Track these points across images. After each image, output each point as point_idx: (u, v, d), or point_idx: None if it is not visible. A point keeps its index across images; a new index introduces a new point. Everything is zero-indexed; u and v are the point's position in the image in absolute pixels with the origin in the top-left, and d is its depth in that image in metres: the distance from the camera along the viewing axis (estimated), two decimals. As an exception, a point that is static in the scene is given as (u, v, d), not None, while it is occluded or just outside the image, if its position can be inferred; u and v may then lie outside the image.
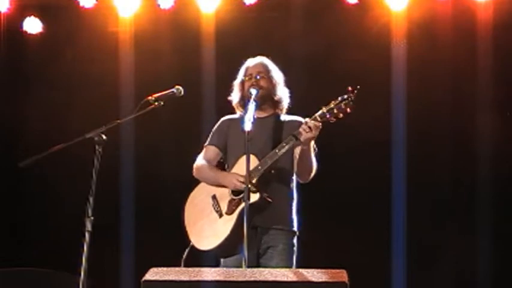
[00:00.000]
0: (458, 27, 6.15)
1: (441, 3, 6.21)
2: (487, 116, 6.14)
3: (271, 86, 4.63)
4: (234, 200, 4.45)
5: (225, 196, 4.50)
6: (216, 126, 4.73)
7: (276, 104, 4.66)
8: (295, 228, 4.54)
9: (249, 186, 4.13)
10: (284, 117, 4.68)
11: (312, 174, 4.54)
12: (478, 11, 6.11)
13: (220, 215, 4.47)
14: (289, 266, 4.43)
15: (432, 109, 6.27)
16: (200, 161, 4.69)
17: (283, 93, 4.68)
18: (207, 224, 4.50)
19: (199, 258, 4.46)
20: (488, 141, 6.09)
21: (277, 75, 4.69)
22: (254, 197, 4.31)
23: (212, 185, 4.57)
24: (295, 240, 4.52)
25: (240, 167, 4.43)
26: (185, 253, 4.48)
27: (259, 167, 4.38)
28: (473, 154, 6.15)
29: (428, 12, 6.18)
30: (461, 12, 6.16)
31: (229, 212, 4.45)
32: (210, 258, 4.50)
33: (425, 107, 6.21)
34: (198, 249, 4.49)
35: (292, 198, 4.57)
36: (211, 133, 4.72)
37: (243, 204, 4.35)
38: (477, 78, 6.09)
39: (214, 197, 4.54)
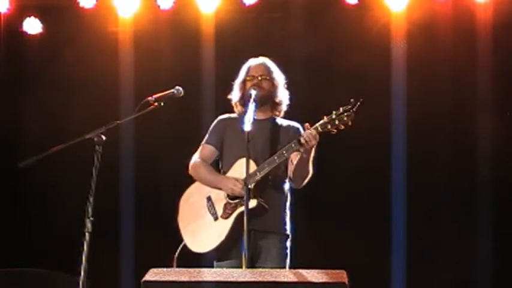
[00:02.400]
0: (458, 28, 6.15)
1: (441, 4, 6.21)
2: (487, 116, 6.14)
3: (273, 88, 4.63)
4: (230, 204, 4.43)
5: (220, 198, 4.47)
6: (213, 125, 4.72)
7: (276, 106, 4.66)
8: (288, 232, 4.53)
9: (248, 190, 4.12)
10: (281, 121, 4.68)
11: (306, 181, 4.52)
12: (478, 11, 6.11)
13: (216, 218, 4.45)
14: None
15: (432, 109, 6.26)
16: (196, 159, 4.65)
17: (283, 96, 4.68)
18: (202, 226, 4.48)
19: (192, 257, 4.44)
20: (488, 141, 6.08)
21: (279, 77, 4.68)
22: (251, 203, 4.27)
23: (208, 186, 4.55)
24: (288, 243, 4.51)
25: (236, 170, 4.43)
26: (178, 251, 4.46)
27: (257, 173, 4.35)
28: (473, 154, 6.14)
29: (428, 13, 6.19)
30: (461, 12, 6.16)
31: (225, 216, 4.42)
32: (204, 258, 4.48)
33: (425, 107, 6.20)
34: (192, 251, 4.47)
35: (286, 202, 4.56)
36: (209, 132, 4.70)
37: (239, 209, 4.37)
38: (477, 78, 6.09)
39: (209, 199, 4.51)
